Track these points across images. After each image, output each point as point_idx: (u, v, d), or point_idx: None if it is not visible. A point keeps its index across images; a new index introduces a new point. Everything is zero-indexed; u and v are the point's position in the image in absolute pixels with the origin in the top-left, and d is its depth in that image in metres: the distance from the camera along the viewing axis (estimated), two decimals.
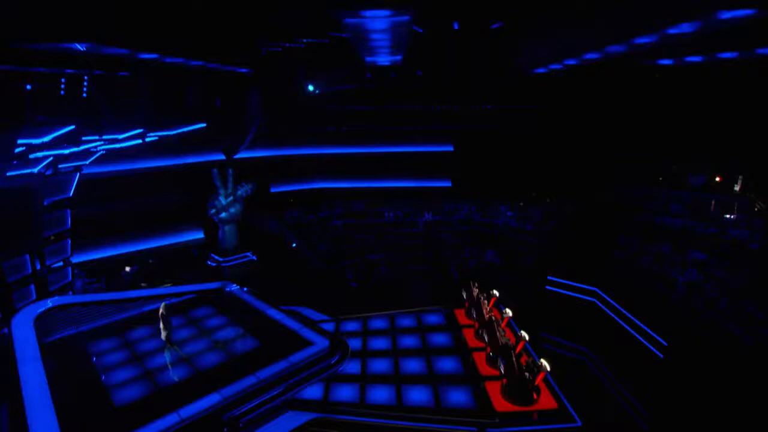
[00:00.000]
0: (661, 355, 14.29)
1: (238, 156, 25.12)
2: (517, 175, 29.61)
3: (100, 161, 18.91)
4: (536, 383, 12.01)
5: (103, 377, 12.38)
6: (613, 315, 17.01)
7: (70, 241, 18.62)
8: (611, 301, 17.21)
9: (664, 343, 14.22)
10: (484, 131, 28.84)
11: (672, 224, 21.71)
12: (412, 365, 13.95)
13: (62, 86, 10.41)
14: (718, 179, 23.70)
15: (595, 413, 12.16)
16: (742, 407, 11.85)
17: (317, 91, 18.57)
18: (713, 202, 22.45)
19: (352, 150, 30.37)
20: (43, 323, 14.60)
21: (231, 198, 23.54)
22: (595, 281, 18.91)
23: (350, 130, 28.77)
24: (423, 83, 18.94)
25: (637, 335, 15.50)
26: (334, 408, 11.85)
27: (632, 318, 15.85)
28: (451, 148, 30.91)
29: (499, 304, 15.84)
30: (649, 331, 14.89)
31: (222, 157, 24.11)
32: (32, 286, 16.53)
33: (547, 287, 19.91)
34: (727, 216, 21.77)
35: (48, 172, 16.66)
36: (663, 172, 24.39)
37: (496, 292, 16.53)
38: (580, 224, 24.19)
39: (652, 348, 14.72)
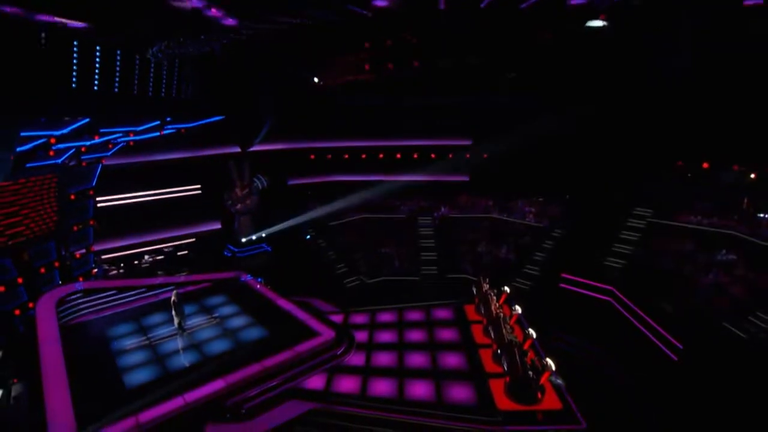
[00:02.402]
0: (675, 358, 13.72)
1: (254, 149, 25.49)
2: (536, 170, 28.87)
3: (120, 153, 19.57)
4: (541, 382, 11.75)
5: (117, 360, 12.90)
6: (628, 315, 16.41)
7: (92, 230, 19.44)
8: (627, 301, 16.61)
9: (680, 346, 13.64)
10: (503, 125, 28.18)
11: (698, 223, 20.66)
12: (417, 359, 13.88)
13: (74, 78, 10.74)
14: (753, 176, 22.37)
15: (603, 416, 11.79)
16: (761, 414, 11.24)
17: (321, 83, 18.52)
18: (745, 200, 21.22)
19: (367, 144, 30.33)
20: (64, 307, 15.33)
21: (247, 190, 24.02)
22: (612, 280, 18.32)
23: (365, 124, 28.67)
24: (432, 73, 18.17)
25: (652, 337, 14.92)
26: (335, 399, 11.96)
27: (647, 319, 15.26)
28: (469, 142, 30.43)
29: (510, 301, 15.53)
30: (664, 333, 14.31)
31: (238, 149, 24.54)
32: (56, 272, 17.37)
33: (562, 285, 19.40)
34: (761, 215, 20.55)
35: (72, 163, 17.38)
36: (691, 167, 23.21)
37: (506, 289, 16.21)
38: (599, 221, 23.39)
39: (666, 350, 14.15)
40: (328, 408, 11.55)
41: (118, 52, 11.86)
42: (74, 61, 10.60)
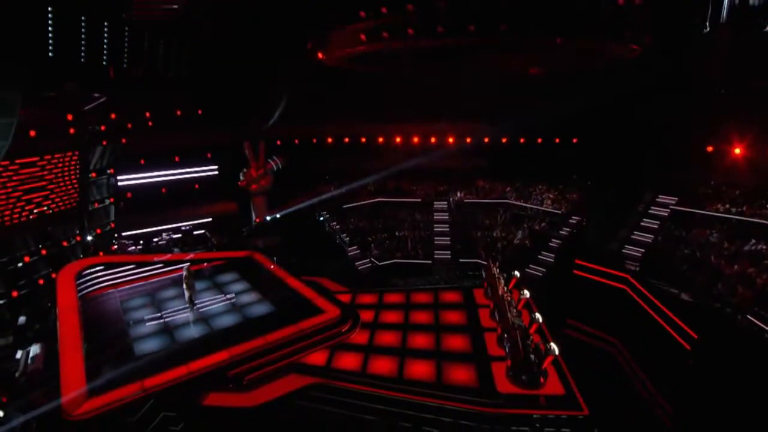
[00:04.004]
0: (689, 348, 13.16)
1: (270, 131, 25.62)
2: (556, 156, 27.97)
3: (140, 133, 19.92)
4: (543, 367, 11.52)
5: (130, 329, 13.45)
6: (643, 303, 15.81)
7: (112, 207, 20.15)
8: (642, 290, 15.98)
9: (694, 336, 13.06)
10: (525, 109, 27.25)
11: (726, 211, 19.52)
12: (421, 340, 13.87)
13: (82, 51, 10.83)
14: None
15: (609, 403, 11.46)
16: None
17: (325, 58, 18.19)
18: None
19: (385, 127, 29.96)
20: (84, 278, 16.04)
21: (262, 171, 24.30)
22: (628, 268, 17.67)
23: (382, 107, 28.25)
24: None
25: (666, 326, 14.34)
26: (335, 374, 12.10)
27: (663, 308, 14.65)
28: (488, 126, 29.66)
29: (519, 285, 15.27)
30: (680, 323, 13.72)
31: (254, 130, 24.70)
32: (78, 246, 18.14)
33: (576, 272, 18.84)
34: None
35: (92, 142, 17.91)
36: (722, 153, 21.83)
37: (517, 273, 15.93)
38: (619, 209, 22.46)
39: (681, 341, 13.58)
40: (327, 383, 11.69)
41: (126, 27, 12.02)
42: (82, 33, 10.68)
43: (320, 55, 18.11)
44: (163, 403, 10.37)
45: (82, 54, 10.81)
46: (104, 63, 11.55)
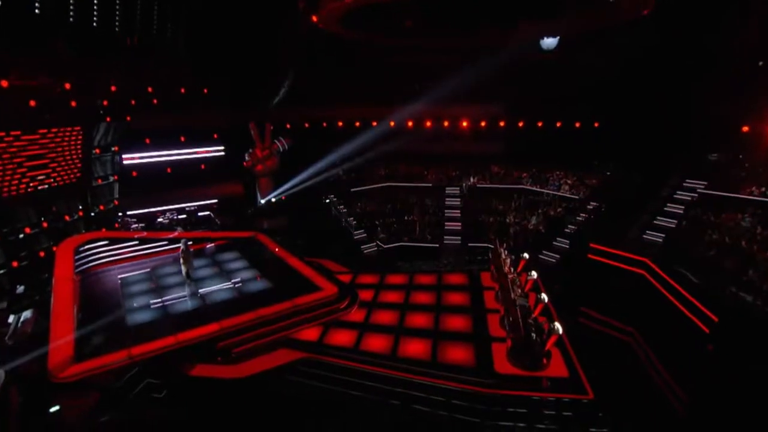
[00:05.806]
0: (707, 331, 12.09)
1: (279, 113, 25.29)
2: (577, 141, 26.61)
3: (145, 112, 19.78)
4: (547, 348, 10.75)
5: (125, 301, 13.34)
6: (662, 289, 14.72)
7: (116, 185, 20.22)
8: (662, 274, 14.87)
9: (714, 320, 11.98)
10: (542, 90, 25.97)
11: (761, 195, 17.99)
12: (419, 320, 13.31)
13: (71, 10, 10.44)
14: None
15: (621, 390, 10.63)
16: None
17: (317, 18, 17.54)
18: None
19: (396, 111, 29.18)
20: (84, 253, 16.08)
21: (267, 152, 24.02)
22: (648, 254, 16.49)
23: (393, 89, 27.45)
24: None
25: (687, 312, 13.27)
26: (326, 350, 11.67)
27: (684, 293, 13.57)
28: (503, 109, 28.51)
29: (528, 268, 14.46)
30: (701, 306, 12.64)
31: (259, 111, 24.38)
32: (81, 221, 18.23)
33: (591, 256, 17.78)
34: None
35: (96, 119, 17.88)
36: (759, 133, 20.15)
37: (526, 255, 15.10)
38: (641, 194, 21.09)
39: (702, 326, 12.52)
40: (316, 358, 11.26)
41: None
42: None
43: (314, 18, 17.50)
44: (148, 370, 10.15)
45: (71, 12, 10.45)
46: (94, 24, 11.18)
